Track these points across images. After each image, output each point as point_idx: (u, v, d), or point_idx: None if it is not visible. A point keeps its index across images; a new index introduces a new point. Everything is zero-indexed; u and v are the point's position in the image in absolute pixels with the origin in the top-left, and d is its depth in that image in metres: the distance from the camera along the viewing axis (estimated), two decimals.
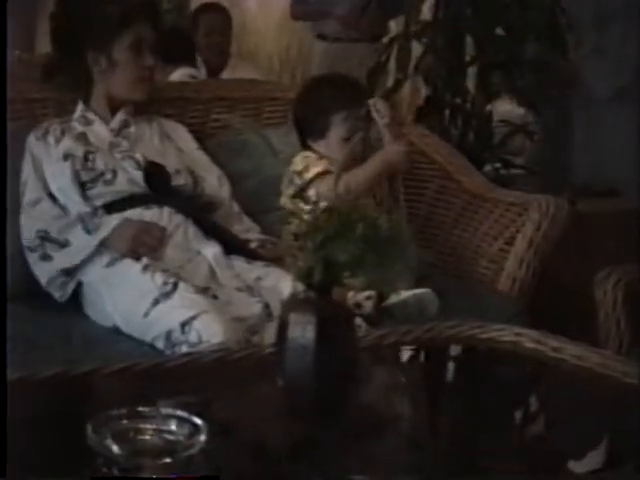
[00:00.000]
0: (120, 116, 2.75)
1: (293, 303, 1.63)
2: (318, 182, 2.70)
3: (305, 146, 2.83)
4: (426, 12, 3.78)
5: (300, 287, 1.65)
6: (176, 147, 2.81)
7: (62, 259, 2.55)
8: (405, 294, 2.50)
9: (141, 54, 2.73)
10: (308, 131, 2.82)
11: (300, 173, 2.73)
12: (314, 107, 2.81)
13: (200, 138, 2.94)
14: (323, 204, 2.29)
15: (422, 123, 3.34)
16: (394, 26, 4.94)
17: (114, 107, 2.76)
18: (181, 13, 6.59)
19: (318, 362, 1.53)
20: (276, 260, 2.57)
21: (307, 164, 2.74)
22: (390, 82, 3.84)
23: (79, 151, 2.66)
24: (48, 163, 2.68)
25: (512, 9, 3.67)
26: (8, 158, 2.68)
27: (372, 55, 4.31)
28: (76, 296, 2.57)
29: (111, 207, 2.62)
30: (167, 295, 2.31)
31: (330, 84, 2.90)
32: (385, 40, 4.42)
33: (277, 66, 9.01)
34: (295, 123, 2.88)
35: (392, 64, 3.71)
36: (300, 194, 2.72)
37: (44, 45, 10.84)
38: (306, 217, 1.56)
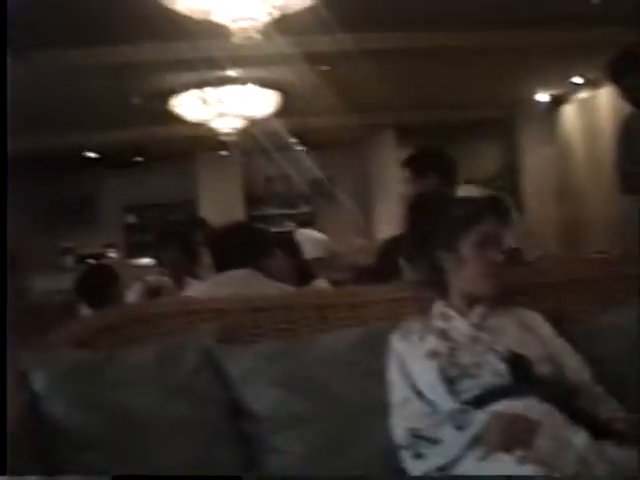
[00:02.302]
0: (478, 310, 2.82)
1: None
2: None
3: None
4: None
5: None
6: (535, 335, 2.82)
7: (435, 457, 2.59)
8: None
9: (488, 250, 2.80)
10: None
11: None
12: None
13: (556, 323, 2.94)
14: None
15: None
16: None
17: (470, 301, 2.83)
18: None
19: None
20: None
21: None
22: None
23: (443, 348, 2.73)
24: (413, 362, 2.76)
25: None
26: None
27: None
28: None
29: (478, 401, 2.64)
30: None
31: None
32: None
33: (609, 236, 8.90)
34: None
35: None
36: None
37: (383, 230, 11.25)
38: None
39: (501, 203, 2.97)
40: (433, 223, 2.89)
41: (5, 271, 2.75)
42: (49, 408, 2.68)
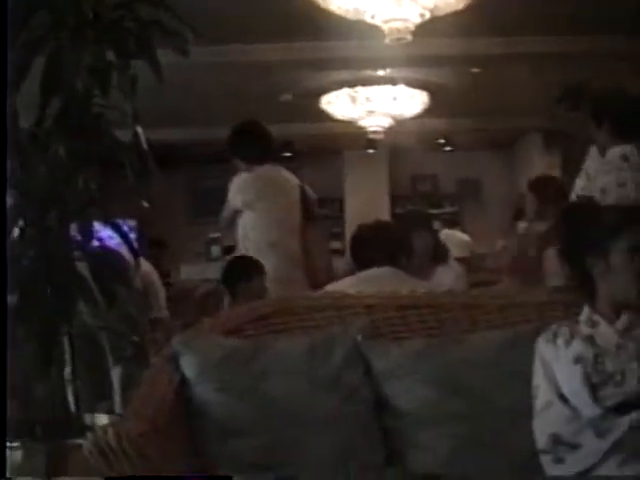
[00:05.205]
0: (624, 318, 2.78)
1: None
2: None
3: None
4: None
5: None
6: None
7: (574, 462, 2.61)
8: None
9: (637, 257, 2.77)
10: None
11: None
12: None
13: None
14: None
15: None
16: None
17: (618, 309, 2.80)
18: None
19: None
20: None
21: None
22: None
23: (589, 353, 2.71)
24: (558, 366, 2.76)
25: None
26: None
27: None
28: None
29: (620, 408, 2.63)
30: None
31: None
32: None
33: None
34: None
35: None
36: None
37: None
38: None
39: None
40: (584, 231, 2.89)
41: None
42: (199, 393, 2.77)
